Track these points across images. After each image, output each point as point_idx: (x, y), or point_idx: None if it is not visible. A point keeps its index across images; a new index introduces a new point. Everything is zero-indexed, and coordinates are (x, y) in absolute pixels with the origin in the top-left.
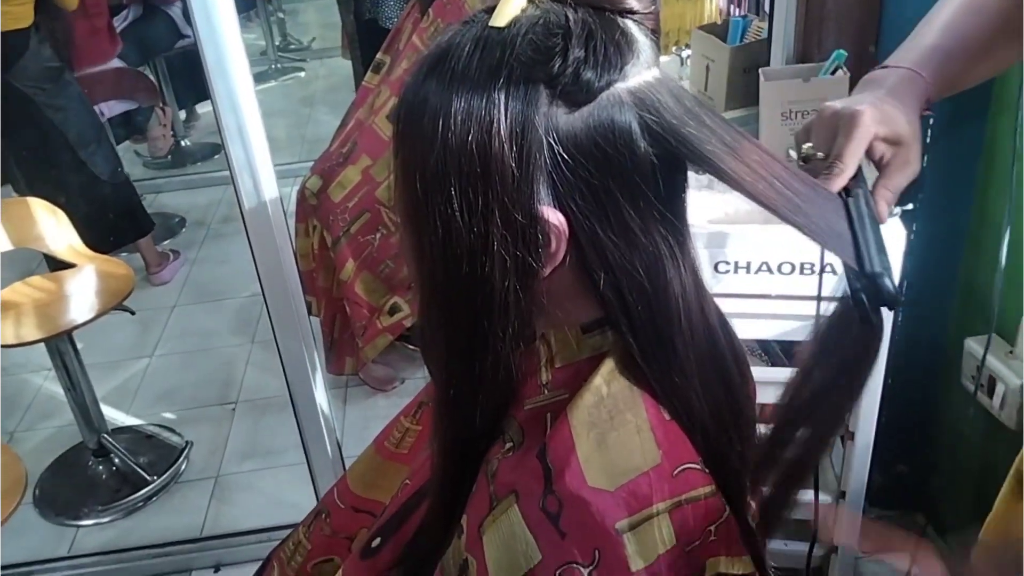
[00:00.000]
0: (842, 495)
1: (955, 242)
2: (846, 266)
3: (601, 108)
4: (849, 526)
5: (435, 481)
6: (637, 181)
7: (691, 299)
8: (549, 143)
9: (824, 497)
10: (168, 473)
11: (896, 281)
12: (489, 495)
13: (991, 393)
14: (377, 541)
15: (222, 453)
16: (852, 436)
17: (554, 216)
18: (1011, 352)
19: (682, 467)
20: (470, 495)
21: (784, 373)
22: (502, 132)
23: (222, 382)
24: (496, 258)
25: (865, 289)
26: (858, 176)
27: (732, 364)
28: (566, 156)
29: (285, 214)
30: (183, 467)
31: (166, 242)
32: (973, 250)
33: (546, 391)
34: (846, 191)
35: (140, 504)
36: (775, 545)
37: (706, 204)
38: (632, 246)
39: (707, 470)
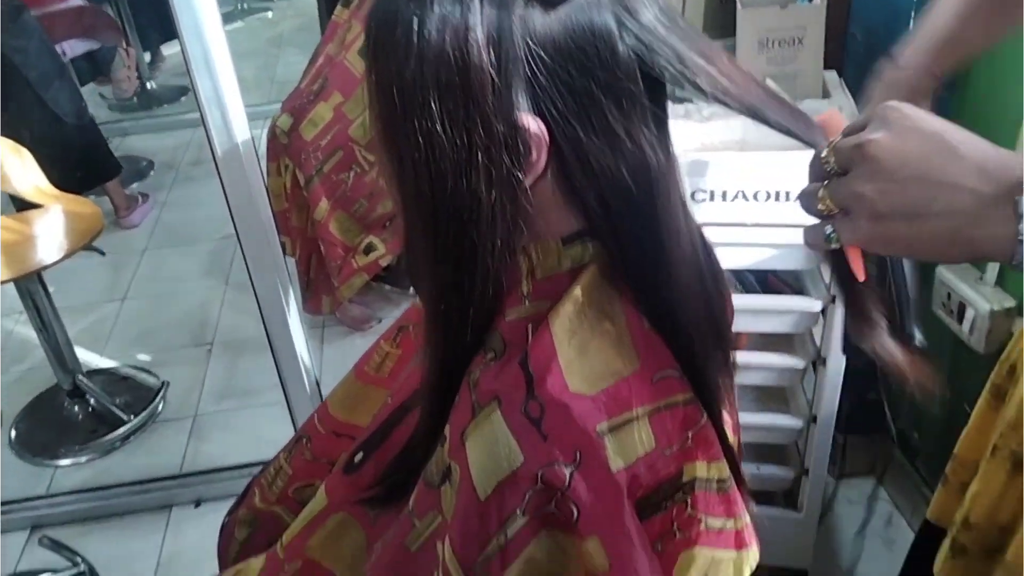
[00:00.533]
0: (813, 419)
1: None
2: None
3: (578, 8)
4: (820, 450)
5: (425, 396)
6: (620, 81)
7: (677, 207)
8: (527, 45)
9: (796, 422)
10: (145, 413)
11: None
12: (471, 404)
13: (961, 319)
14: (360, 456)
15: (199, 393)
16: (824, 362)
17: (534, 124)
18: (981, 278)
19: (661, 374)
20: (453, 406)
21: (758, 301)
22: (479, 37)
23: (197, 324)
24: (481, 170)
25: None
26: None
27: (712, 278)
28: (545, 58)
29: (256, 153)
30: (160, 407)
31: (134, 185)
32: None
33: (527, 302)
34: None
35: (117, 444)
36: (747, 469)
37: (682, 133)
38: (617, 150)
39: (685, 378)
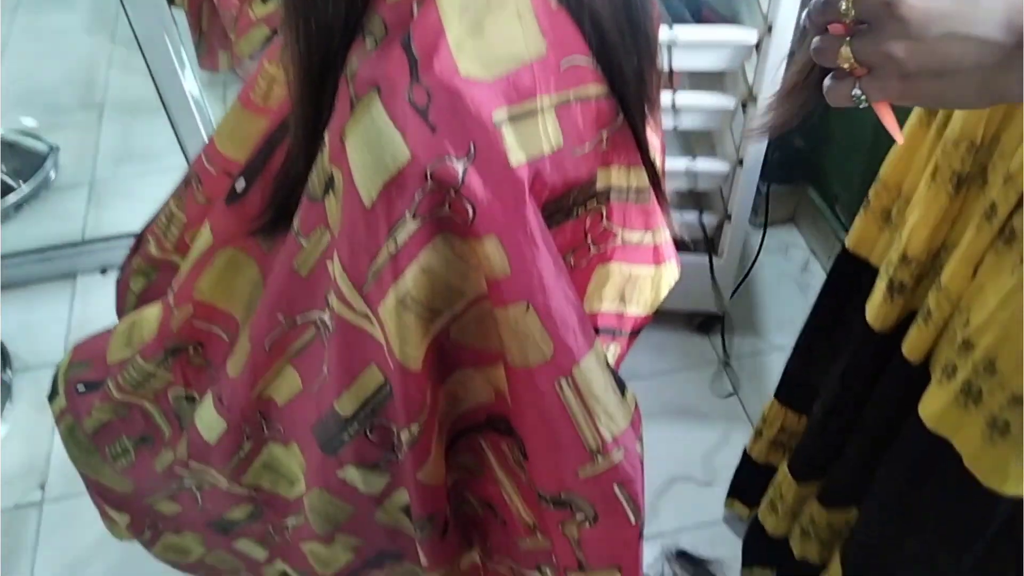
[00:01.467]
0: (740, 163)
1: None
2: None
3: None
4: (743, 195)
5: (295, 92)
6: None
7: None
8: None
9: (722, 166)
10: (35, 178)
11: None
12: (350, 98)
13: None
14: (242, 184)
15: (94, 158)
16: (755, 101)
17: None
18: None
19: (570, 61)
20: (332, 110)
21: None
22: None
23: (83, 84)
24: None
25: None
26: None
27: None
28: None
29: None
30: (53, 174)
31: None
32: None
33: None
34: None
35: (11, 212)
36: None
37: None
38: None
39: (600, 70)
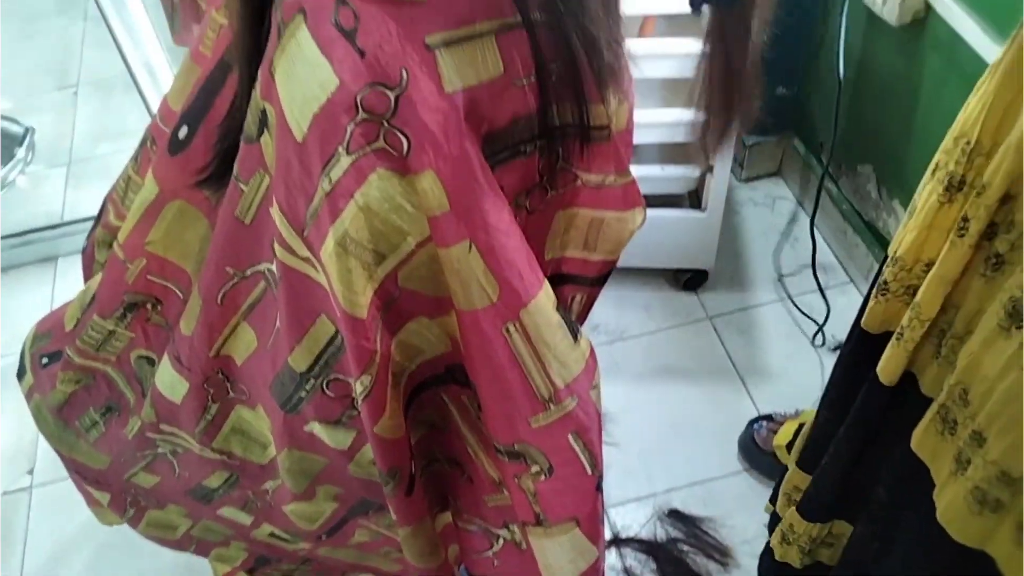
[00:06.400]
0: None
1: None
2: None
3: None
4: (726, 148)
5: (235, 33)
6: None
7: None
8: None
9: (701, 116)
10: (12, 162)
11: None
12: (278, 27)
13: None
14: (184, 131)
15: (70, 139)
16: None
17: None
18: None
19: None
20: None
21: None
22: None
23: (58, 65)
24: None
25: None
26: None
27: None
28: None
29: None
30: (30, 156)
31: None
32: None
33: None
34: None
35: None
36: (652, 170)
37: None
38: None
39: None
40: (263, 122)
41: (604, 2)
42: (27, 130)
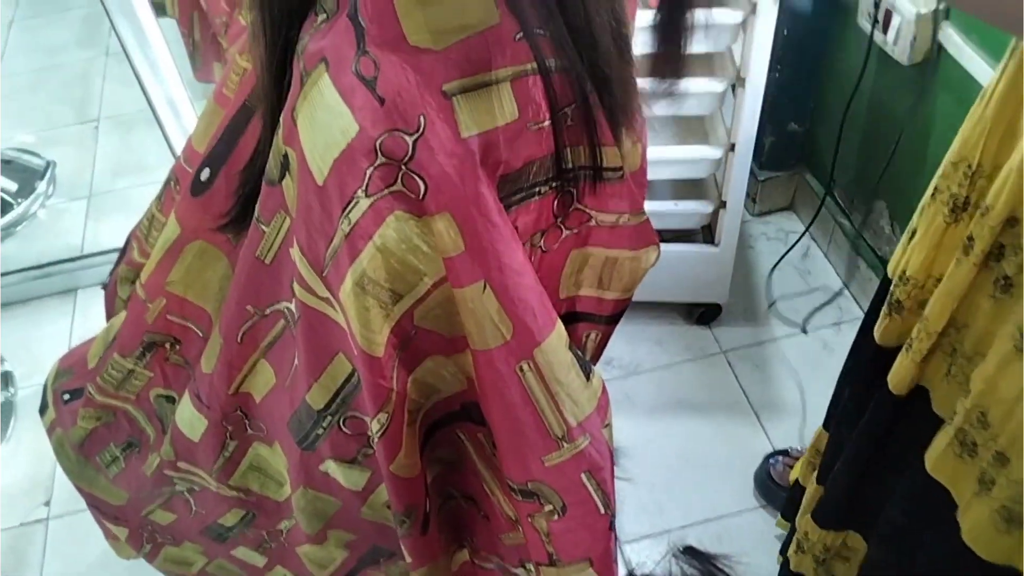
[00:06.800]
0: (732, 148)
1: None
2: None
3: None
4: (737, 181)
5: (260, 80)
6: None
7: None
8: None
9: (715, 152)
10: (34, 195)
11: None
12: (300, 75)
13: (886, 28)
14: (206, 173)
15: (91, 173)
16: (743, 83)
17: None
18: None
19: (528, 31)
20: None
21: None
22: None
23: (79, 99)
24: None
25: None
26: None
27: None
28: None
29: None
30: (51, 189)
31: None
32: None
33: None
34: None
35: (12, 229)
36: (666, 205)
37: None
38: None
39: (557, 42)
40: (285, 166)
41: (617, 45)
42: (48, 164)
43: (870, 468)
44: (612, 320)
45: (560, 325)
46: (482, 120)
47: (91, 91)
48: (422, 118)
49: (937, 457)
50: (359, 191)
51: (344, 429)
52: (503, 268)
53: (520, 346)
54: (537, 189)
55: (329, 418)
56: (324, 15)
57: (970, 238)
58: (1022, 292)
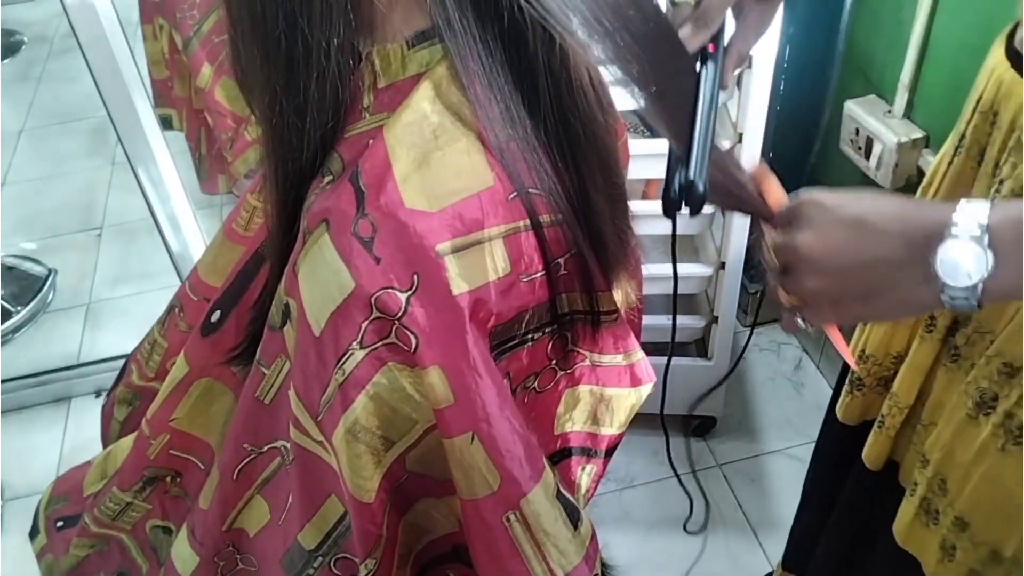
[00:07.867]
0: (722, 266)
1: (837, 2)
2: (671, 151)
3: None
4: (728, 297)
5: (270, 234)
6: None
7: None
8: None
9: (705, 269)
10: (34, 303)
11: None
12: (303, 232)
13: (868, 154)
14: (217, 315)
15: (92, 280)
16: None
17: None
18: (889, 112)
19: (521, 191)
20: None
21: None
22: None
23: (84, 207)
24: None
25: (677, 183)
26: (718, 38)
27: (589, 90)
28: None
29: (120, 21)
30: (51, 297)
31: (6, 61)
32: (856, 10)
33: (368, 115)
34: (703, 56)
35: (9, 336)
36: (659, 320)
37: None
38: None
39: (551, 199)
40: (286, 314)
41: (609, 196)
42: (50, 271)
43: (855, 554)
44: (607, 454)
45: (548, 473)
46: (473, 277)
47: (96, 199)
48: (416, 276)
49: (906, 528)
50: (354, 343)
51: (335, 570)
52: (490, 419)
53: (507, 496)
54: (530, 336)
55: (320, 559)
56: (330, 176)
57: (932, 316)
58: (967, 364)
